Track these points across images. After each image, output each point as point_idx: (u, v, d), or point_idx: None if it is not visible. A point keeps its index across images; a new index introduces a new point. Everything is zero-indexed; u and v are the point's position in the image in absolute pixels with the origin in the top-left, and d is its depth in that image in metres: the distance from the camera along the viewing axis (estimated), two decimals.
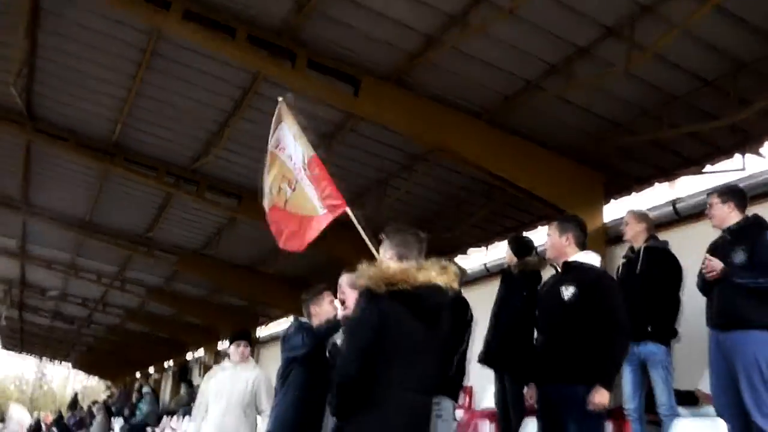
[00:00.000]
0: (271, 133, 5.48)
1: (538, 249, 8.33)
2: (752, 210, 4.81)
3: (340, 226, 12.70)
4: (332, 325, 4.67)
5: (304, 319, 5.10)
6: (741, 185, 5.83)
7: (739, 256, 4.45)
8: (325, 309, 4.91)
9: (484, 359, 6.09)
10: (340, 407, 3.13)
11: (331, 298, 4.97)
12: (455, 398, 5.27)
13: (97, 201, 13.70)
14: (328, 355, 4.70)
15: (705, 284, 4.65)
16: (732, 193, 4.75)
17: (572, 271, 4.15)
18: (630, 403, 5.14)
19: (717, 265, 4.43)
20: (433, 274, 3.17)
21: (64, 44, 8.80)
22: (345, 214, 4.84)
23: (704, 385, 5.76)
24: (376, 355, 3.03)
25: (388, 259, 3.34)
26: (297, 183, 5.05)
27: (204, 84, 8.99)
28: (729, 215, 4.63)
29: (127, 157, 11.22)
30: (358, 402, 3.04)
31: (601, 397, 3.82)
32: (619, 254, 6.18)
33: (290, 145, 5.09)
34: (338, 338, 4.38)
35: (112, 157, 11.15)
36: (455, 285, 3.31)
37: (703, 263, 4.62)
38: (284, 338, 4.99)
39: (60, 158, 11.98)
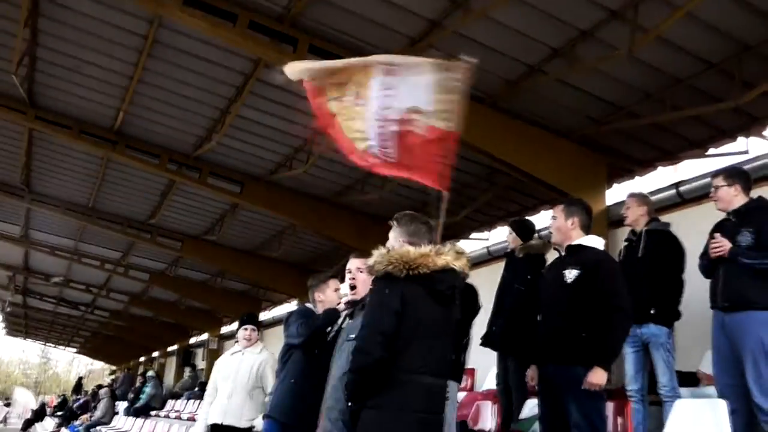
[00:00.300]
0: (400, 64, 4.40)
1: (541, 232, 8.39)
2: (755, 192, 4.78)
3: (341, 211, 12.74)
4: (329, 316, 4.69)
5: (309, 305, 5.15)
6: (744, 168, 5.80)
7: (746, 238, 4.44)
8: (330, 296, 4.94)
9: (487, 342, 6.13)
10: (358, 391, 3.15)
11: (337, 285, 5.01)
12: (459, 381, 5.34)
13: (100, 188, 13.73)
14: (329, 339, 4.72)
15: (708, 266, 4.65)
16: (738, 176, 4.69)
17: (576, 254, 4.17)
18: (632, 384, 5.16)
19: (725, 243, 4.43)
20: (450, 258, 3.22)
21: (65, 32, 8.76)
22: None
23: (705, 366, 5.82)
24: (396, 338, 3.06)
25: (401, 244, 3.36)
26: (360, 109, 4.24)
27: (205, 71, 8.97)
28: (734, 198, 4.59)
29: (129, 145, 11.21)
30: (375, 385, 3.07)
31: (597, 378, 3.85)
32: (622, 237, 6.19)
33: (411, 91, 4.14)
34: (341, 322, 4.39)
35: (114, 144, 11.14)
36: (467, 270, 3.35)
37: (707, 243, 4.62)
38: (285, 323, 5.04)
39: (62, 146, 11.99)
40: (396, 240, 3.43)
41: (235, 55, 8.46)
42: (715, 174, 4.82)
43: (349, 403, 3.21)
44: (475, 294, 5.41)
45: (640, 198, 5.49)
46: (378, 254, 3.22)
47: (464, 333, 5.29)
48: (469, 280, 5.42)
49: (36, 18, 8.54)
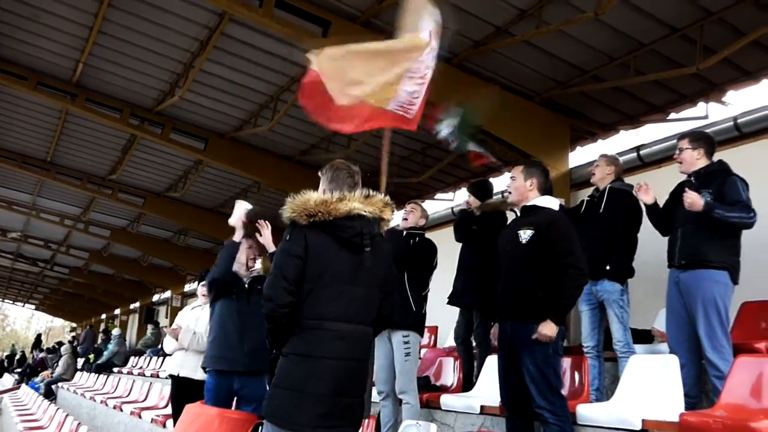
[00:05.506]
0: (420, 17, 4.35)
1: (503, 193, 8.48)
2: (714, 157, 4.91)
3: (306, 170, 12.63)
4: (226, 254, 4.92)
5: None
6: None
7: (706, 199, 4.57)
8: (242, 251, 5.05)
9: (453, 300, 6.23)
10: (274, 338, 3.16)
11: (249, 243, 5.10)
12: (421, 334, 5.42)
13: (58, 142, 13.39)
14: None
15: (663, 221, 4.81)
16: (703, 140, 4.80)
17: (530, 214, 4.24)
18: (589, 341, 5.31)
19: (696, 198, 4.45)
20: (357, 204, 3.17)
21: None
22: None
23: (659, 324, 6.04)
24: (303, 285, 3.06)
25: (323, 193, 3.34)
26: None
27: (168, 23, 8.75)
28: (697, 161, 4.71)
29: (89, 98, 10.92)
30: (289, 332, 3.07)
31: (548, 329, 3.95)
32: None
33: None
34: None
35: (73, 97, 10.84)
36: (387, 215, 3.30)
37: (667, 200, 4.73)
38: None
39: (18, 98, 11.63)
40: (321, 190, 3.39)
41: (199, 7, 8.26)
42: (681, 136, 4.92)
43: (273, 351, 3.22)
44: (433, 249, 5.49)
45: (611, 159, 5.59)
46: (286, 202, 3.20)
47: (423, 285, 5.40)
48: (434, 240, 5.57)
49: None
